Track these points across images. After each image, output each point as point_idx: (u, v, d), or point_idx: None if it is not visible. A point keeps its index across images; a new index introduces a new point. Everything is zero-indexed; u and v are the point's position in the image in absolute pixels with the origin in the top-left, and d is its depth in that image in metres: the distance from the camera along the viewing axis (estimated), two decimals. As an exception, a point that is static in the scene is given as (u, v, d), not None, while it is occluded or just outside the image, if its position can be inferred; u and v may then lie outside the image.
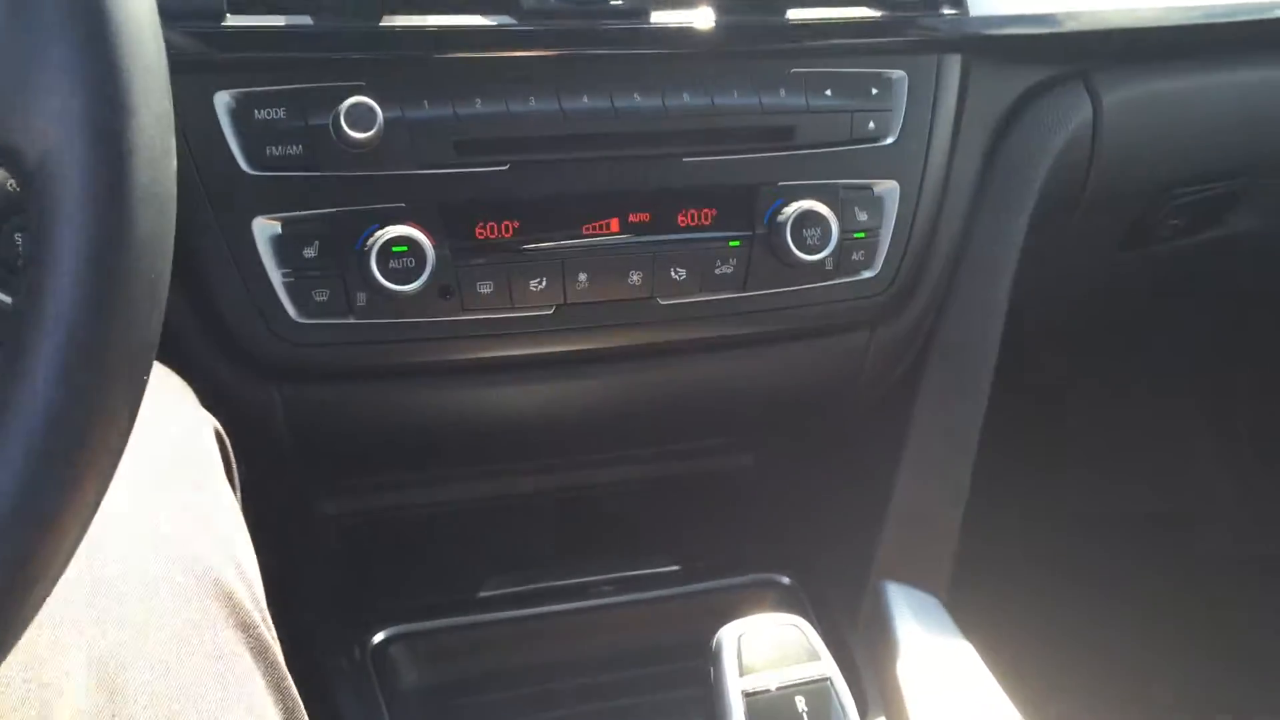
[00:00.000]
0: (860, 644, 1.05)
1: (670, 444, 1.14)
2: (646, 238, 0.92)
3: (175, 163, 0.51)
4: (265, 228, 0.84)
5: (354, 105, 0.81)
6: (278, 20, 0.82)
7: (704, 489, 1.21)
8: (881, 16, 0.96)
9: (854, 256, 0.97)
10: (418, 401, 0.95)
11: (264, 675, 0.66)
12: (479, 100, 0.86)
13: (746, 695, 0.72)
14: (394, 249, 0.83)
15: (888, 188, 0.98)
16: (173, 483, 0.67)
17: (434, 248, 0.84)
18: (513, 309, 0.89)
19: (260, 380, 0.89)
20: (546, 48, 0.88)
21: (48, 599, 0.47)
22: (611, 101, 0.89)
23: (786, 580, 1.12)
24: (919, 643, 1.03)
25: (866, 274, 0.98)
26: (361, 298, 0.85)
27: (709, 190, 0.93)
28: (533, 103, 0.87)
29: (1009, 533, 1.52)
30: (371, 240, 0.83)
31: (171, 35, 0.58)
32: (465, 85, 0.86)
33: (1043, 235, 1.12)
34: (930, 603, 1.07)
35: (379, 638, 1.01)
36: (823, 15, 0.94)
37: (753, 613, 0.79)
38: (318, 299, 0.85)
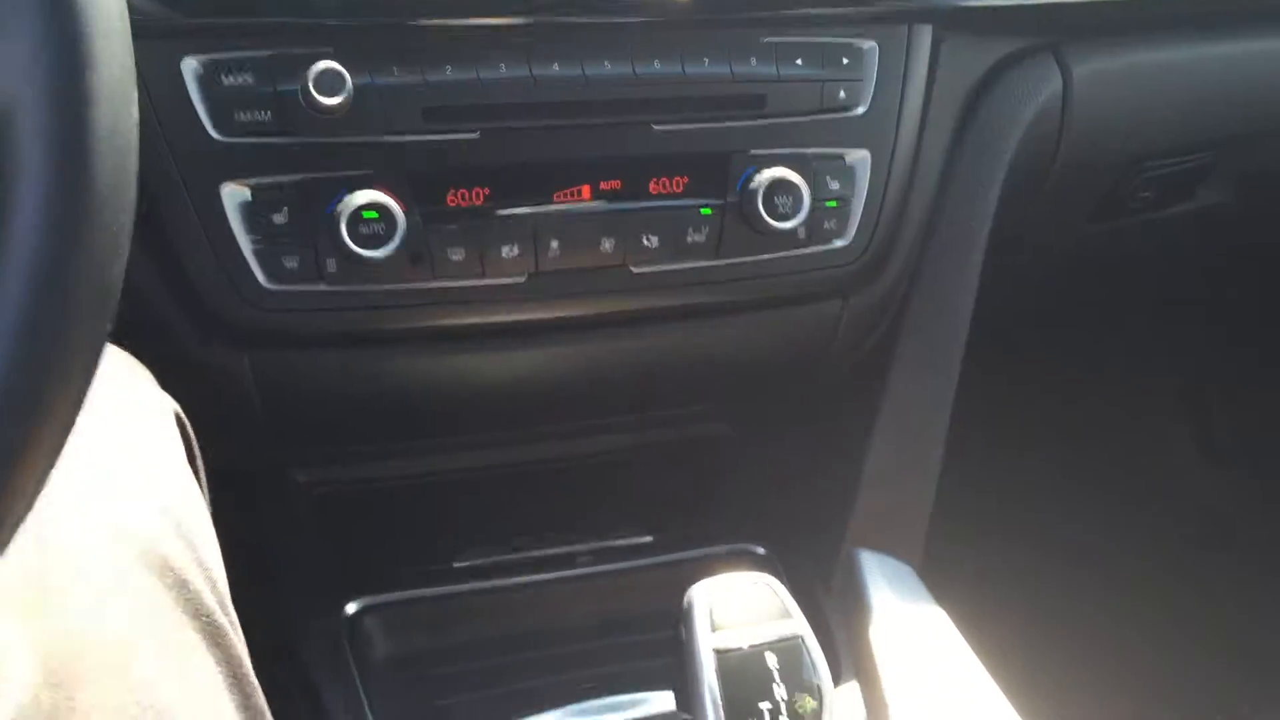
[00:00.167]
0: (834, 610, 1.06)
1: (643, 413, 1.14)
2: (618, 205, 0.92)
3: (137, 114, 0.50)
4: (234, 194, 0.83)
5: (323, 71, 0.81)
6: None
7: (678, 460, 1.21)
8: (853, -14, 0.96)
9: (826, 225, 0.98)
10: (389, 370, 0.95)
11: (220, 665, 0.65)
12: (449, 67, 0.86)
13: (718, 653, 0.73)
14: (364, 214, 0.83)
15: (859, 157, 0.99)
16: (128, 468, 0.66)
17: (404, 214, 0.84)
18: (484, 276, 0.89)
19: (230, 348, 0.89)
20: (517, 15, 0.88)
21: None
22: (582, 69, 0.89)
23: (761, 550, 1.12)
24: (892, 609, 1.03)
25: (839, 243, 0.99)
26: (332, 264, 0.85)
27: (680, 158, 0.93)
28: (503, 70, 0.87)
29: (983, 503, 1.53)
30: (341, 206, 0.83)
31: (138, 0, 0.58)
32: (435, 52, 0.86)
33: (1014, 207, 1.13)
34: (904, 570, 1.08)
35: (352, 608, 1.01)
36: (794, -16, 0.94)
37: (728, 580, 0.79)
38: (288, 265, 0.84)
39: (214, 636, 0.65)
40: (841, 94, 0.97)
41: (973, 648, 0.99)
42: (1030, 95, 1.11)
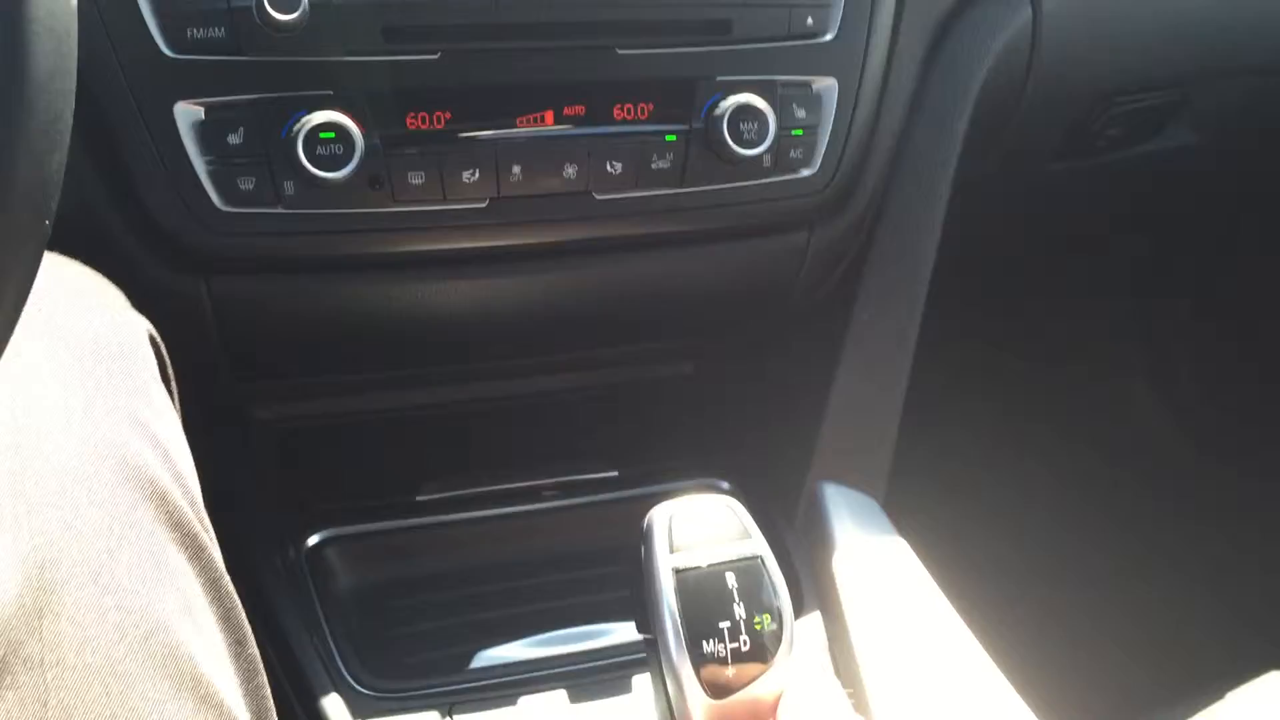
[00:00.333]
0: (798, 542, 1.06)
1: (607, 347, 1.13)
2: (582, 130, 0.91)
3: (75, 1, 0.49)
4: (187, 113, 0.82)
5: None
6: None
7: (643, 397, 1.21)
8: (820, -90, 0.95)
9: (792, 154, 0.97)
10: (347, 297, 0.93)
11: (199, 574, 0.65)
12: None
13: (677, 572, 0.72)
14: (322, 135, 0.82)
15: (826, 85, 0.98)
16: (104, 383, 0.66)
17: (363, 135, 0.83)
18: (445, 201, 0.88)
19: (186, 274, 0.88)
20: None
21: None
22: None
23: (725, 485, 1.12)
24: (855, 540, 1.03)
25: (805, 172, 0.98)
26: (289, 186, 0.83)
27: (645, 83, 0.92)
28: None
29: (946, 437, 1.54)
30: (298, 126, 0.82)
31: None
32: None
33: (981, 141, 1.13)
34: (867, 503, 1.08)
35: (314, 540, 1.00)
36: (760, -94, 0.93)
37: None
38: (243, 187, 0.83)
39: (193, 549, 0.65)
40: (809, 20, 0.96)
41: (934, 578, 1.00)
42: (999, 27, 1.10)
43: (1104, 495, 1.69)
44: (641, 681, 0.91)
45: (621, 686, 0.90)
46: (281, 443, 1.09)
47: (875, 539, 1.03)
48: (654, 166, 0.93)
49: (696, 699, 0.71)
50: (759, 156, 0.94)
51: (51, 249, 0.55)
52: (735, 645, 0.71)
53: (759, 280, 1.06)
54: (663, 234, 0.98)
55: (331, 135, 0.82)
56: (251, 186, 0.83)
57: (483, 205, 0.89)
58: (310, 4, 0.80)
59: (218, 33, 0.81)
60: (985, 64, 1.10)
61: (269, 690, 0.68)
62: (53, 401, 0.62)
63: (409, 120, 0.86)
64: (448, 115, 0.87)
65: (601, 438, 1.16)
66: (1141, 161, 1.38)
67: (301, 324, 0.94)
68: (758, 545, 0.75)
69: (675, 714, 0.72)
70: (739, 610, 0.72)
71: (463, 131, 0.87)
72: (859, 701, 0.92)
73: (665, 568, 0.73)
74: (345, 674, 0.89)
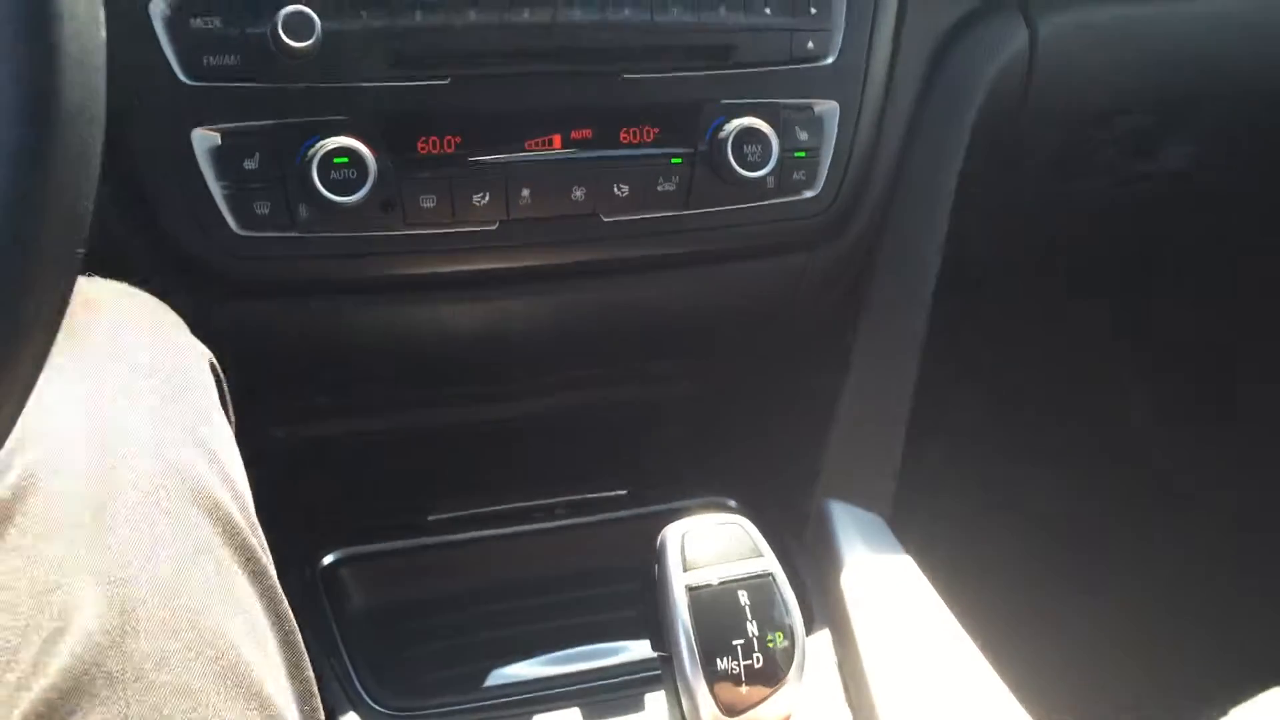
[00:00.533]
0: (806, 560, 1.07)
1: (614, 366, 1.14)
2: (589, 153, 0.92)
3: (103, 28, 0.50)
4: (204, 139, 0.83)
5: (291, 14, 0.80)
6: None
7: (649, 415, 1.22)
8: (821, -65, 0.97)
9: (795, 176, 0.98)
10: (360, 317, 0.95)
11: (261, 596, 0.67)
12: (418, 12, 0.86)
13: (690, 590, 0.73)
14: (335, 160, 0.83)
15: (828, 107, 0.99)
16: (173, 409, 0.68)
17: (375, 160, 0.84)
18: (455, 224, 0.89)
19: (201, 295, 0.89)
20: None
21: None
22: (553, 16, 0.89)
23: (733, 503, 1.13)
24: (862, 558, 1.04)
25: (807, 193, 0.99)
26: (303, 210, 0.85)
27: (650, 107, 0.93)
28: (473, 16, 0.87)
29: (951, 455, 1.55)
30: (312, 152, 0.83)
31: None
32: None
33: (979, 162, 1.14)
34: (874, 521, 1.09)
35: (329, 559, 1.01)
36: (762, -67, 0.95)
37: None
38: (259, 211, 0.84)
39: (254, 571, 0.67)
40: (810, 44, 0.98)
41: (941, 596, 1.01)
42: (996, 50, 1.12)
43: (1111, 511, 1.70)
44: (654, 700, 0.92)
45: (634, 704, 0.91)
46: (295, 462, 1.10)
47: (882, 558, 1.04)
48: (660, 189, 0.94)
49: (710, 716, 0.72)
50: (763, 178, 0.95)
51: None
52: (749, 663, 0.73)
53: (762, 299, 1.07)
54: (668, 255, 0.99)
55: (345, 160, 0.83)
56: (267, 211, 0.84)
57: (493, 227, 0.91)
58: (324, 31, 0.82)
59: (233, 60, 0.82)
60: (983, 86, 1.12)
61: (323, 714, 0.69)
62: (130, 426, 0.64)
63: (420, 145, 0.87)
64: (458, 139, 0.88)
65: (610, 456, 1.17)
66: (1137, 182, 1.39)
67: (314, 345, 0.95)
68: (769, 563, 0.76)
69: (689, 730, 0.73)
70: (752, 628, 0.73)
71: (473, 155, 0.89)
72: None
73: (679, 585, 0.74)
74: (362, 692, 0.89)
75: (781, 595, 0.76)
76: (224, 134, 0.83)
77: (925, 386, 1.14)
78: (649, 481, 1.15)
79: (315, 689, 0.69)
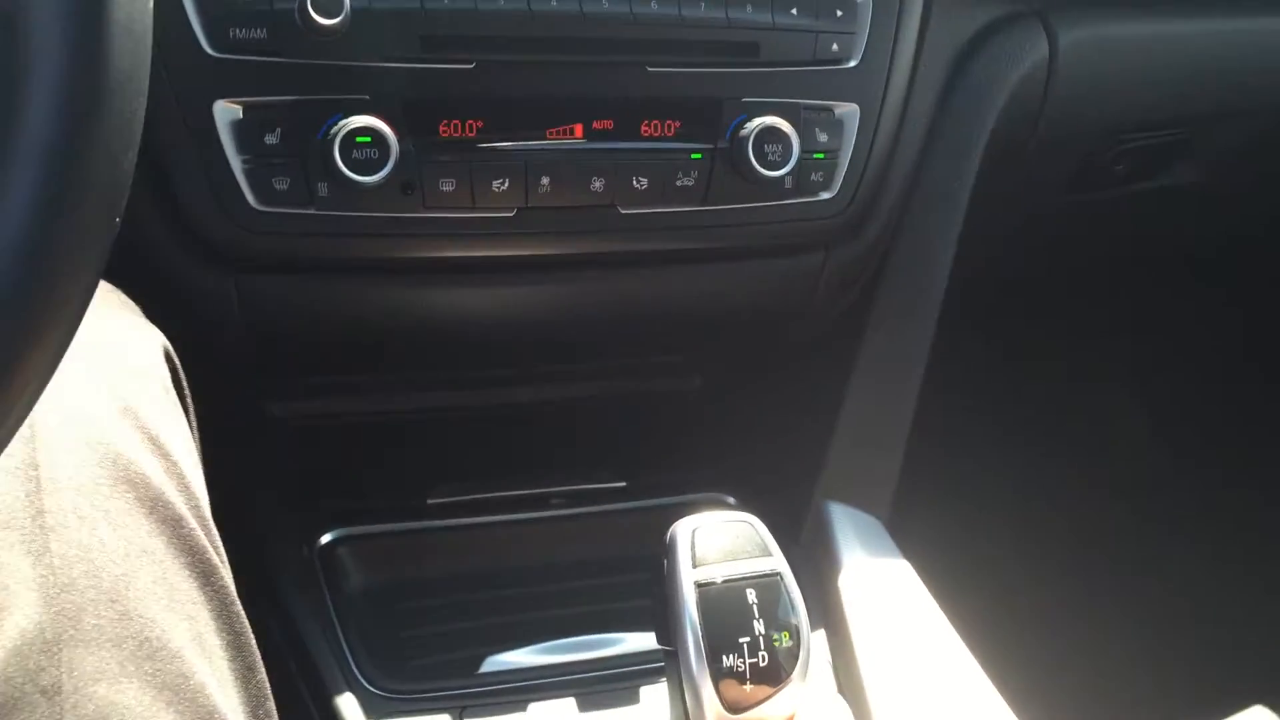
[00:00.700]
0: (802, 561, 1.07)
1: (622, 358, 1.14)
2: (609, 145, 0.92)
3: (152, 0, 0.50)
4: (226, 111, 0.82)
5: None
6: None
7: (653, 408, 1.22)
8: (850, -61, 0.97)
9: (813, 177, 0.98)
10: (374, 299, 0.94)
11: (211, 600, 0.66)
12: None
13: (699, 586, 0.73)
14: (358, 139, 0.83)
15: (848, 110, 0.99)
16: (121, 402, 0.66)
17: (398, 141, 0.84)
18: (474, 209, 0.89)
19: (217, 271, 0.88)
20: None
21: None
22: (580, 6, 0.89)
23: (732, 500, 1.13)
24: (860, 561, 1.04)
25: (824, 195, 0.99)
26: (323, 188, 0.84)
27: (673, 101, 0.93)
28: (501, 2, 0.87)
29: (951, 460, 1.55)
30: (335, 129, 0.83)
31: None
32: None
33: (994, 172, 1.14)
34: (872, 524, 1.09)
35: (327, 538, 1.01)
36: (793, -67, 0.94)
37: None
38: (278, 187, 0.84)
39: (205, 574, 0.65)
40: (834, 46, 0.98)
41: (937, 601, 1.01)
42: (1016, 60, 1.12)
43: (1112, 518, 1.71)
44: (650, 692, 0.92)
45: (630, 696, 0.91)
46: (296, 440, 1.10)
47: (880, 561, 1.04)
48: (678, 183, 0.94)
49: (713, 713, 0.72)
50: (781, 178, 0.95)
51: None
52: (754, 661, 0.73)
53: (775, 298, 1.07)
54: (683, 250, 0.99)
55: (368, 140, 0.83)
56: (286, 187, 0.84)
57: (510, 214, 0.90)
58: (352, 9, 0.81)
59: (259, 33, 0.81)
60: (1002, 95, 1.12)
61: (276, 717, 0.68)
62: (71, 420, 0.62)
63: (442, 128, 0.87)
64: (480, 124, 0.88)
65: (612, 448, 1.17)
66: (1146, 196, 1.40)
67: (326, 323, 0.95)
68: (778, 562, 0.76)
69: (691, 727, 0.73)
70: (759, 626, 0.73)
71: (494, 141, 0.89)
72: (864, 720, 0.93)
73: (688, 581, 0.74)
74: (358, 674, 0.89)
75: (789, 595, 0.76)
76: (246, 107, 0.83)
77: (929, 389, 1.14)
78: (649, 474, 1.15)
79: (269, 692, 0.68)
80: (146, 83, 0.49)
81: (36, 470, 0.59)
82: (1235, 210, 1.58)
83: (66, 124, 0.46)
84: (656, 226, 0.95)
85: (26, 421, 0.57)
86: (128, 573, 0.60)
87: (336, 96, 0.84)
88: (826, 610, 1.01)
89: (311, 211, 0.85)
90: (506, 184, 0.89)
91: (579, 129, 0.91)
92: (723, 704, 0.72)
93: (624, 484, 1.13)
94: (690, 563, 0.74)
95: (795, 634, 0.75)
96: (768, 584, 0.75)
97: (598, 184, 0.92)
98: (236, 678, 0.66)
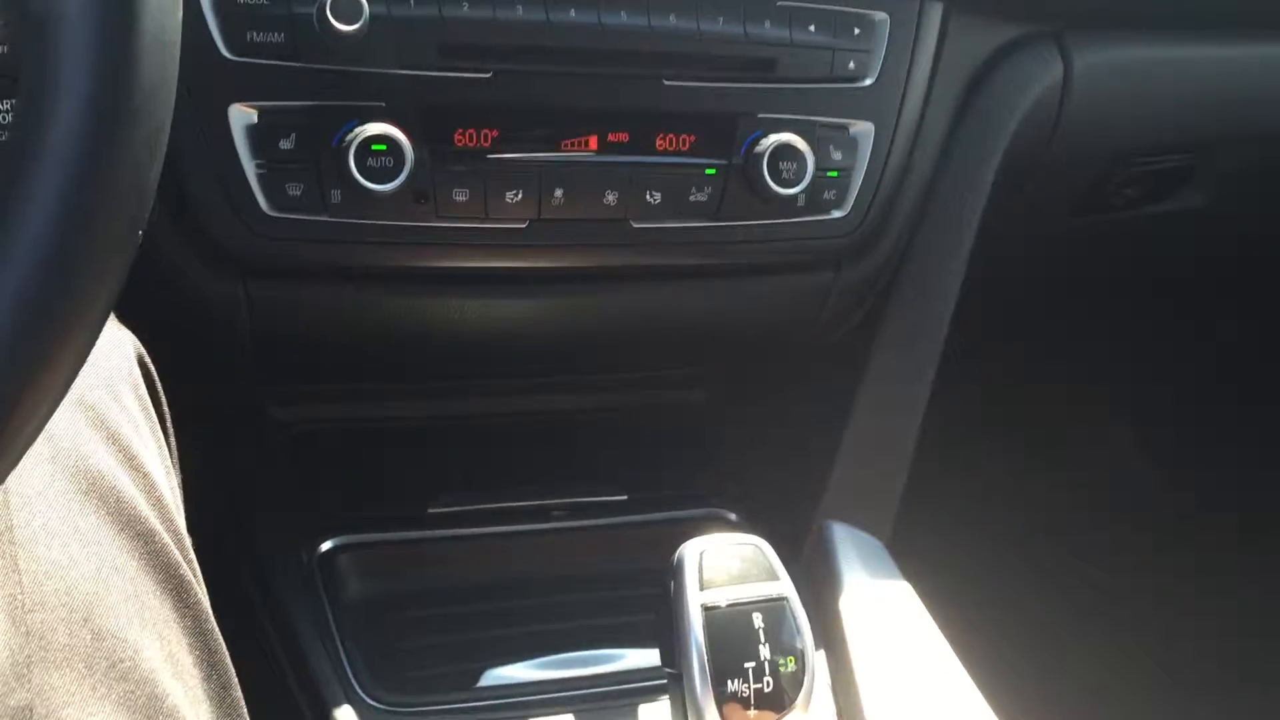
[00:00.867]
0: (803, 581, 1.06)
1: (629, 371, 1.14)
2: (624, 158, 0.91)
3: (180, 14, 0.49)
4: (241, 115, 0.82)
5: None
6: None
7: (657, 422, 1.22)
8: (869, -43, 0.96)
9: (826, 195, 0.98)
10: (384, 307, 0.94)
11: (184, 618, 0.65)
12: (466, 4, 0.85)
13: (705, 609, 0.73)
14: (373, 147, 0.82)
15: (863, 129, 0.99)
16: (92, 412, 0.65)
17: (413, 149, 0.83)
18: (487, 219, 0.88)
19: (226, 274, 0.88)
20: None
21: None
22: (598, 17, 0.89)
23: (733, 516, 1.13)
24: (860, 582, 1.04)
25: (836, 213, 0.99)
26: (336, 195, 0.84)
27: (689, 116, 0.93)
28: (520, 11, 0.86)
29: (954, 481, 1.55)
30: (350, 136, 0.82)
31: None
32: None
33: (1004, 194, 1.14)
34: (874, 544, 1.08)
35: (326, 545, 1.00)
36: (813, -50, 0.94)
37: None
38: (291, 193, 0.83)
39: (178, 592, 0.65)
40: (851, 64, 0.97)
41: (937, 623, 1.00)
42: (1031, 82, 1.12)
43: (1115, 547, 1.71)
44: (651, 710, 0.91)
45: (630, 713, 0.90)
46: (296, 446, 1.09)
47: (880, 582, 1.04)
48: (691, 199, 0.94)
49: (717, 736, 0.72)
50: (794, 196, 0.94)
51: None
52: (759, 686, 0.72)
53: (783, 315, 1.07)
54: (694, 265, 0.99)
55: (383, 148, 0.82)
56: (299, 193, 0.83)
57: (522, 226, 0.90)
58: (370, 16, 0.81)
59: (277, 37, 0.81)
60: (1016, 116, 1.11)
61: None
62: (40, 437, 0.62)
63: (457, 137, 0.86)
64: (495, 134, 0.87)
65: (613, 460, 1.17)
66: (1154, 220, 1.40)
67: (335, 329, 0.94)
68: (785, 587, 0.76)
69: (693, 749, 0.72)
70: (764, 651, 0.73)
71: (509, 152, 0.88)
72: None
73: (694, 604, 0.73)
74: (355, 685, 0.89)
75: (795, 620, 0.76)
76: (261, 112, 0.82)
77: (934, 410, 1.14)
78: (650, 488, 1.14)
79: (244, 711, 0.68)
80: (174, 94, 0.49)
81: (4, 485, 0.59)
82: (1236, 235, 1.58)
83: (94, 134, 0.45)
84: (668, 241, 0.94)
85: None
86: (99, 591, 0.60)
87: (353, 103, 0.83)
88: (826, 632, 1.00)
89: (324, 218, 0.84)
90: (520, 195, 0.89)
91: (594, 141, 0.91)
92: (726, 728, 0.72)
93: (625, 497, 1.12)
94: (697, 585, 0.74)
95: (800, 659, 0.75)
96: (774, 608, 0.75)
97: (611, 198, 0.91)
98: (210, 697, 0.65)
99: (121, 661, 0.59)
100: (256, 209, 0.83)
